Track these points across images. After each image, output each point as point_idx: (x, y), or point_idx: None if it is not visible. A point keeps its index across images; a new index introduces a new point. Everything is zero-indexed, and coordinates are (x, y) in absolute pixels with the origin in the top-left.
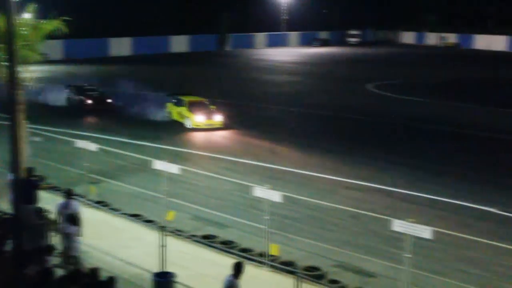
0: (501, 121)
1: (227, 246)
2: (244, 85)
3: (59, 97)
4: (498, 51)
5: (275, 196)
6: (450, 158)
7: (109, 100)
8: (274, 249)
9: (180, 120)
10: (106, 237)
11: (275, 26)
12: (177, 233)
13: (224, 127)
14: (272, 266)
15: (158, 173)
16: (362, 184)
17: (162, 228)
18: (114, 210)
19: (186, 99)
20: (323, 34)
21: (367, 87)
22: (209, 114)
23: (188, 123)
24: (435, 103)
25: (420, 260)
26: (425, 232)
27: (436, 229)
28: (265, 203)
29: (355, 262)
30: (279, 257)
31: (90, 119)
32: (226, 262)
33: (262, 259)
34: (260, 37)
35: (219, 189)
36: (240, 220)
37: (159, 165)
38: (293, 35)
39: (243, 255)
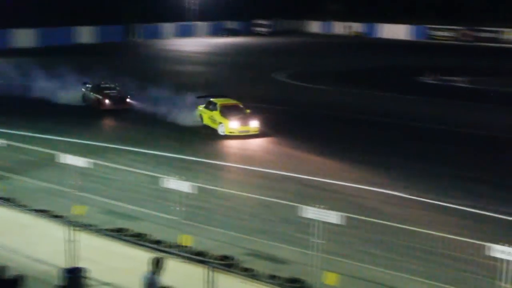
0: (402, 107)
1: (139, 239)
2: (162, 76)
3: (73, 95)
4: (401, 39)
5: (186, 186)
6: (358, 144)
7: (129, 100)
8: (186, 240)
9: (213, 125)
10: (12, 234)
11: (183, 16)
12: (87, 227)
13: (260, 134)
14: (184, 257)
15: (67, 168)
16: (273, 173)
17: (71, 223)
18: (20, 206)
19: (219, 102)
20: (232, 24)
21: (279, 77)
22: (244, 119)
23: (221, 130)
24: (344, 91)
25: (330, 245)
26: (333, 217)
27: (344, 214)
28: (176, 194)
29: (268, 250)
30: (192, 247)
31: (109, 123)
32: (138, 255)
33: (174, 250)
34: (169, 27)
35: (130, 182)
36: (152, 212)
37: (66, 159)
38: (202, 25)
39: (155, 247)
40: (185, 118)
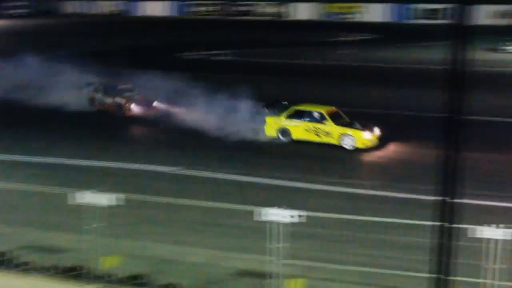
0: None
1: None
2: None
3: (74, 99)
4: (162, 16)
5: None
6: None
7: (156, 103)
8: None
9: (316, 139)
10: None
11: None
12: None
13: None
14: None
15: None
16: (40, 161)
17: None
18: None
19: (322, 109)
20: None
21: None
22: (370, 127)
23: (350, 143)
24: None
25: (109, 227)
26: (104, 199)
27: (117, 194)
28: None
29: (43, 241)
30: None
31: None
32: None
33: None
34: None
35: None
36: None
37: None
38: None
39: None
40: (252, 130)
